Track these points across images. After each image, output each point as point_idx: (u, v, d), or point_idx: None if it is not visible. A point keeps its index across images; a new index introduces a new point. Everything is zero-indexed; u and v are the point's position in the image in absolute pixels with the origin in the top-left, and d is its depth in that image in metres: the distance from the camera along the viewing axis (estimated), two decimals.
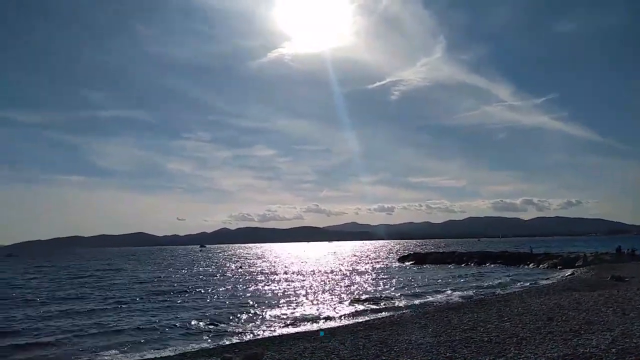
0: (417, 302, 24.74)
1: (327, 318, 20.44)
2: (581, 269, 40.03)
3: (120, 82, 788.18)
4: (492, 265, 51.75)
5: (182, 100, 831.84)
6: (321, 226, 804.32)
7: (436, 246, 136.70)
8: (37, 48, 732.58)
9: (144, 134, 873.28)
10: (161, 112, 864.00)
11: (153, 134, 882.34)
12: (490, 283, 33.63)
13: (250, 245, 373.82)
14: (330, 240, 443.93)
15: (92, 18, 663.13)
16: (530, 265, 49.37)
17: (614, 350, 9.91)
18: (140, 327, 19.11)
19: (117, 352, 15.01)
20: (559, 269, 43.76)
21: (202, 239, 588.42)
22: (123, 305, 25.43)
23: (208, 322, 19.61)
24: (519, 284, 32.35)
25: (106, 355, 14.62)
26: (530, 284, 31.74)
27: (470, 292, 28.15)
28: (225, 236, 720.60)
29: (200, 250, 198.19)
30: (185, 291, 32.87)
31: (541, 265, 47.81)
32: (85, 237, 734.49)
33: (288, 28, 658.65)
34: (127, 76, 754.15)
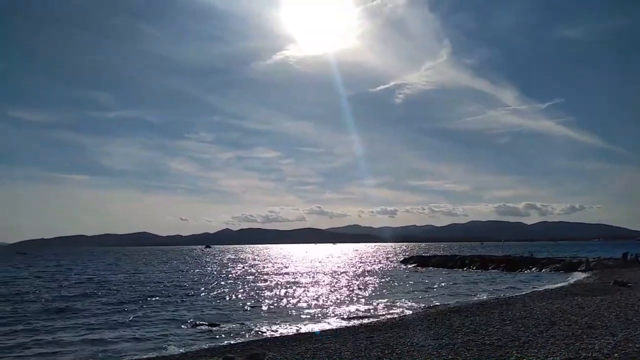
0: (419, 304, 24.68)
1: (330, 319, 20.43)
2: (584, 273, 39.91)
3: (126, 83, 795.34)
4: (495, 270, 51.62)
5: (187, 101, 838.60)
6: (323, 228, 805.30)
7: (438, 249, 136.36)
8: (45, 48, 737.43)
9: (149, 134, 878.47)
10: (166, 113, 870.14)
11: (157, 134, 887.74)
12: (493, 287, 33.54)
13: (253, 246, 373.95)
14: (334, 242, 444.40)
15: (100, 19, 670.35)
16: (533, 269, 49.21)
17: (616, 355, 9.91)
18: (141, 325, 19.21)
19: (117, 348, 15.10)
20: (561, 273, 43.63)
21: (205, 240, 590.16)
22: (125, 304, 25.56)
23: (210, 323, 19.61)
24: (521, 288, 32.23)
25: (108, 352, 14.69)
26: (533, 288, 31.63)
27: (472, 296, 28.08)
28: (228, 237, 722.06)
29: (203, 252, 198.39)
30: (188, 291, 32.95)
31: (543, 270, 47.66)
32: (89, 236, 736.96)
33: (293, 30, 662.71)
34: (133, 77, 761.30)
